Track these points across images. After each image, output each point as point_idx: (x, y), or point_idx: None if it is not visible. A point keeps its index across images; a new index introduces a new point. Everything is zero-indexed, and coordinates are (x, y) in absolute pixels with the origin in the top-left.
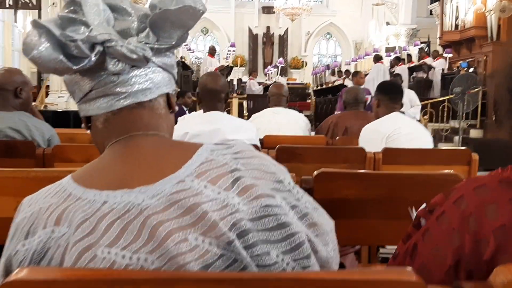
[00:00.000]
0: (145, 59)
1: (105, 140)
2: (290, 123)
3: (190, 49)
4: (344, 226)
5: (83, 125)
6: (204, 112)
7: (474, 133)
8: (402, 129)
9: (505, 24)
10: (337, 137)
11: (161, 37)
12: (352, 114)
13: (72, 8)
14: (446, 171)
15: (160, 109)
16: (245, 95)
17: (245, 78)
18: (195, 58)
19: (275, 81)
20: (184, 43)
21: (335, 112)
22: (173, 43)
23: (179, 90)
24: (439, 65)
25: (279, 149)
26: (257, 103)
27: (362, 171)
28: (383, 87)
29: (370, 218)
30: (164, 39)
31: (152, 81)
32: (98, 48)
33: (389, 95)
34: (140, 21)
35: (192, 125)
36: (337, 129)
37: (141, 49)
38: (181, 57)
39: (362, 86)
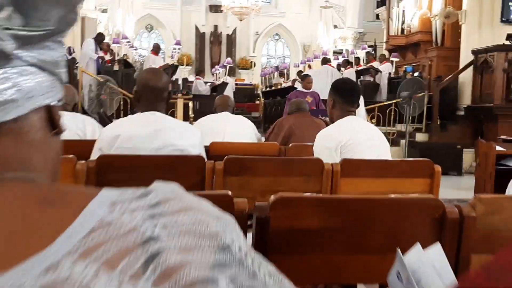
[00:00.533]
0: (4, 55)
1: None
2: (238, 129)
3: (133, 47)
4: (306, 262)
5: None
6: (142, 112)
7: (420, 137)
8: (360, 135)
9: (449, 29)
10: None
11: (31, 18)
12: (296, 116)
13: None
14: (425, 195)
15: (33, 133)
16: (191, 96)
17: (191, 78)
18: (139, 56)
19: (223, 81)
20: (126, 40)
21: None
22: (52, 27)
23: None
24: (386, 69)
25: (227, 160)
26: (204, 104)
27: (327, 196)
28: (338, 87)
29: (336, 253)
30: (37, 21)
31: (19, 88)
32: None
33: (345, 97)
34: None
35: (126, 125)
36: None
37: None
38: (124, 55)
39: (310, 90)
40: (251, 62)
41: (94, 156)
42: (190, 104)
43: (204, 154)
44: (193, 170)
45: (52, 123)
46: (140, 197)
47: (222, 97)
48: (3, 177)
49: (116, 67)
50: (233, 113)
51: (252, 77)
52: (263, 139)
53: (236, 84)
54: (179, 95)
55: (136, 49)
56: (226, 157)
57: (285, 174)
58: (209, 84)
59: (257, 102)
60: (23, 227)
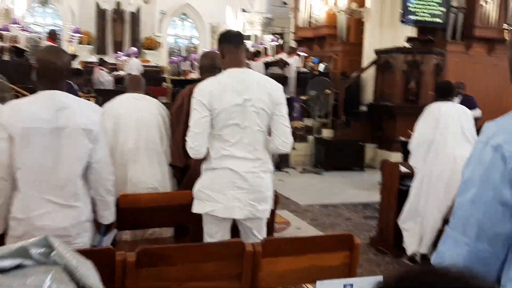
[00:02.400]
0: None
1: None
2: (151, 111)
3: (25, 30)
4: None
5: None
6: (42, 90)
7: (326, 133)
8: None
9: (354, 26)
10: None
11: None
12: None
13: None
14: None
15: None
16: (93, 94)
17: (92, 58)
18: (34, 32)
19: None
20: (17, 25)
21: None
22: None
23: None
24: (294, 62)
25: (140, 253)
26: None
27: None
28: (224, 35)
29: None
30: None
31: None
32: None
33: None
34: None
35: (27, 106)
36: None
37: None
38: (13, 39)
39: None
40: (158, 42)
41: None
42: (93, 101)
43: (102, 133)
44: (101, 264)
45: None
46: None
47: (132, 77)
48: None
49: (6, 57)
50: (144, 92)
51: (158, 59)
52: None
53: (143, 66)
54: (80, 93)
55: (28, 32)
56: (137, 250)
57: (204, 260)
58: (112, 75)
59: (164, 85)
60: None
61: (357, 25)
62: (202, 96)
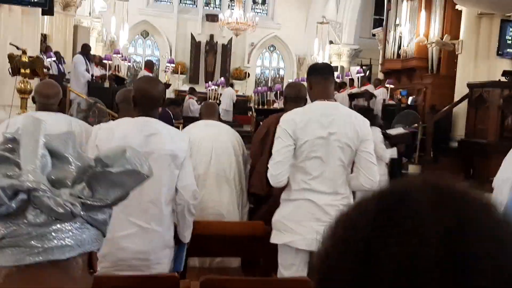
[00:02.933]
0: (72, 215)
1: None
2: (223, 137)
3: (126, 59)
4: None
5: None
6: (137, 117)
7: (412, 168)
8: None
9: (446, 58)
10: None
11: (97, 193)
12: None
13: (10, 146)
14: None
15: (76, 271)
16: (181, 121)
17: (184, 87)
18: (134, 62)
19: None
20: (119, 55)
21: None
22: (108, 202)
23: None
24: (381, 94)
25: (204, 283)
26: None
27: None
28: (313, 67)
29: None
30: (100, 195)
31: (76, 238)
32: (22, 196)
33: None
34: (79, 172)
35: (122, 127)
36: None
37: (70, 203)
38: (115, 67)
39: None
40: (245, 72)
41: (90, 154)
42: (180, 127)
43: (188, 160)
44: None
45: (90, 265)
46: None
47: (207, 104)
48: None
49: (106, 84)
50: (219, 120)
51: (246, 88)
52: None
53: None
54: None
55: (128, 62)
56: (201, 279)
57: None
58: (201, 103)
59: (249, 114)
60: None
61: (449, 57)
62: (287, 126)
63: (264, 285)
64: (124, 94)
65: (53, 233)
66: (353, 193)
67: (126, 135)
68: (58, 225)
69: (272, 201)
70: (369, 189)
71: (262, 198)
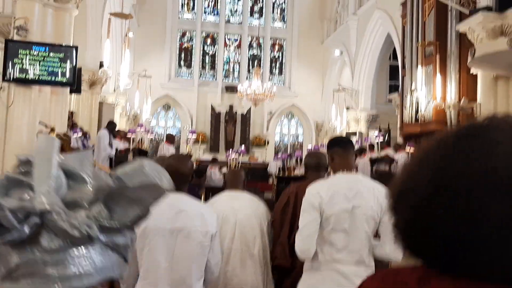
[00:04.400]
0: (89, 238)
1: None
2: (247, 210)
3: (148, 131)
4: None
5: None
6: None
7: None
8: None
9: (465, 120)
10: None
11: (115, 213)
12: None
13: (24, 169)
14: None
15: None
16: (203, 190)
17: (205, 156)
18: (156, 134)
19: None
20: (142, 128)
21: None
22: (128, 223)
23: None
24: (401, 158)
25: None
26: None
27: None
28: (334, 140)
29: None
30: (118, 216)
31: (95, 264)
32: (34, 219)
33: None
34: (96, 192)
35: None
36: (297, 199)
37: (87, 226)
38: (139, 140)
39: None
40: (265, 140)
41: None
42: (203, 196)
43: (217, 235)
44: None
45: None
46: None
47: (233, 171)
48: None
49: (130, 157)
50: (244, 186)
51: (265, 155)
52: None
53: (249, 164)
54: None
55: (152, 134)
56: None
57: None
58: (222, 173)
59: (270, 181)
60: None
61: (468, 119)
62: (313, 199)
63: None
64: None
65: (70, 260)
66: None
67: (156, 213)
68: (75, 251)
69: (296, 274)
70: (395, 258)
71: (286, 271)
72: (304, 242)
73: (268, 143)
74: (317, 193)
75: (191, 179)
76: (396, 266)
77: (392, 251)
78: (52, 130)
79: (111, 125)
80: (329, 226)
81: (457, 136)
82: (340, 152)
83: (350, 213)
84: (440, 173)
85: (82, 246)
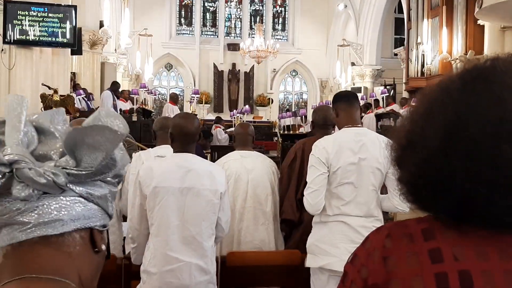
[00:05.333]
0: (57, 186)
1: (1, 278)
2: (259, 169)
3: (150, 92)
4: None
5: None
6: (175, 152)
7: None
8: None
9: None
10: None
11: (82, 161)
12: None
13: (2, 129)
14: None
15: (72, 247)
16: (209, 150)
17: (209, 116)
18: (159, 94)
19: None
20: (145, 89)
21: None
22: (93, 169)
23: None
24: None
25: None
26: (222, 154)
27: None
28: (338, 94)
29: None
30: (84, 164)
31: (68, 212)
32: (2, 169)
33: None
34: (64, 144)
35: (162, 164)
36: (304, 155)
37: (52, 173)
38: (142, 101)
39: None
40: (269, 99)
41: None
42: (208, 156)
43: (226, 194)
44: None
45: (93, 243)
46: None
47: (242, 124)
48: (40, 277)
49: (134, 118)
50: (253, 142)
51: (269, 114)
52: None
53: (254, 122)
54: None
55: (154, 94)
56: None
57: None
58: (228, 131)
59: (275, 139)
60: None
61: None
62: (320, 154)
63: None
64: (161, 122)
65: (43, 207)
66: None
67: (165, 172)
68: (48, 199)
69: (304, 227)
70: (402, 210)
71: (294, 225)
72: (312, 197)
73: (272, 101)
74: (323, 148)
75: (198, 139)
76: (403, 218)
77: (399, 203)
78: (55, 91)
79: (114, 86)
80: (336, 180)
81: (463, 82)
82: (344, 106)
83: (356, 165)
84: (450, 125)
85: (54, 195)
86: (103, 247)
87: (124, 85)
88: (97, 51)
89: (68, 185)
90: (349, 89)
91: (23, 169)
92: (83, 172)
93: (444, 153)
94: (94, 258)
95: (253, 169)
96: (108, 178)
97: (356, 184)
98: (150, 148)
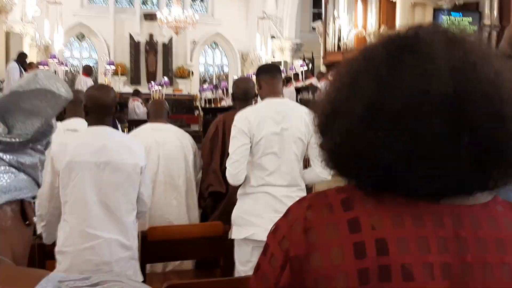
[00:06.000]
0: None
1: None
2: (172, 143)
3: (62, 64)
4: None
5: None
6: (90, 125)
7: None
8: None
9: None
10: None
11: (14, 128)
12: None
13: None
14: None
15: (4, 221)
16: (126, 124)
17: (126, 88)
18: (71, 66)
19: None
20: (55, 59)
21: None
22: (29, 137)
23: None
24: (323, 86)
25: None
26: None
27: None
28: (262, 67)
29: None
30: (17, 130)
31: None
32: None
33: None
34: None
35: (75, 137)
36: (225, 128)
37: None
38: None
39: None
40: (189, 71)
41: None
42: (126, 130)
43: (146, 167)
44: None
45: (24, 215)
46: (83, 279)
47: (156, 101)
48: None
49: None
50: (168, 116)
51: (190, 87)
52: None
53: (174, 95)
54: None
55: (66, 65)
56: (165, 284)
57: None
58: (146, 105)
59: (196, 113)
60: None
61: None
62: (242, 124)
63: (231, 284)
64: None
65: None
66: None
67: (79, 146)
68: None
69: (228, 199)
70: (325, 178)
71: (219, 198)
72: (233, 167)
73: (192, 74)
74: (245, 118)
75: (115, 111)
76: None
77: (322, 171)
78: None
79: (21, 57)
80: (259, 151)
81: (387, 52)
82: (267, 78)
83: (279, 136)
84: (374, 95)
85: None
86: (35, 219)
87: (32, 57)
88: (1, 20)
89: None
90: (270, 62)
91: None
92: (17, 140)
93: (367, 124)
94: (26, 231)
95: (165, 143)
96: (39, 146)
97: (279, 154)
98: (58, 122)
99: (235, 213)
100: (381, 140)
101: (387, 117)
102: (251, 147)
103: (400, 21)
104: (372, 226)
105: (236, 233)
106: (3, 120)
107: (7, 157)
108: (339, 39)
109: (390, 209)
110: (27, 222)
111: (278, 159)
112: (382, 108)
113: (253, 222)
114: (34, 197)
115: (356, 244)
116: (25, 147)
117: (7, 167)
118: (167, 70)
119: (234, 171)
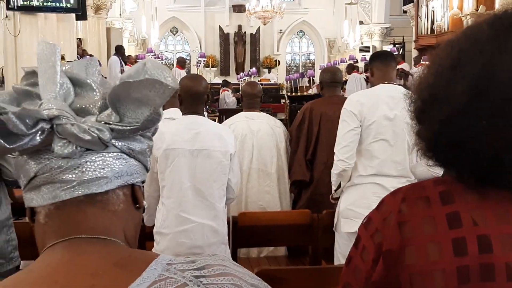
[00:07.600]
0: (102, 142)
1: (45, 239)
2: (264, 131)
3: (157, 57)
4: None
5: (27, 217)
6: (184, 114)
7: None
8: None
9: None
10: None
11: (125, 116)
12: (326, 100)
13: (31, 80)
14: None
15: (117, 205)
16: (217, 114)
17: (216, 79)
18: (166, 59)
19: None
20: (151, 53)
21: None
22: (139, 124)
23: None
24: (418, 72)
25: (259, 273)
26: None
27: None
28: (375, 54)
29: None
30: (128, 119)
31: (111, 169)
32: (43, 125)
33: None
34: (104, 98)
35: (172, 125)
36: (312, 116)
37: (96, 129)
38: None
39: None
40: (276, 60)
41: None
42: (216, 119)
43: (236, 155)
44: None
45: (135, 199)
46: (189, 262)
47: (250, 84)
48: (91, 238)
49: None
50: (260, 103)
51: (277, 76)
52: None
53: (261, 85)
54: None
55: (162, 59)
56: (256, 270)
57: (321, 285)
58: (235, 95)
59: (283, 101)
60: (100, 280)
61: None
62: (353, 107)
63: (319, 274)
64: None
65: (86, 165)
66: None
67: (175, 133)
68: (91, 156)
69: (314, 187)
70: (437, 175)
71: (303, 186)
72: (342, 152)
73: (279, 63)
74: (357, 100)
75: (207, 100)
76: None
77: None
78: (63, 58)
79: (120, 50)
80: (370, 136)
81: (495, 31)
82: (380, 66)
83: (391, 122)
84: (479, 79)
85: (97, 151)
86: (144, 203)
87: (131, 51)
88: (102, 16)
89: (112, 140)
90: (358, 49)
91: (65, 125)
92: (128, 128)
93: (470, 111)
94: (136, 214)
95: (259, 131)
96: (147, 133)
97: (392, 142)
98: None
99: (343, 205)
100: (485, 129)
101: (493, 103)
102: (361, 132)
103: (501, 1)
104: (473, 221)
105: (345, 226)
106: (115, 109)
107: (119, 144)
108: (432, 22)
109: (494, 204)
110: (137, 205)
111: (390, 147)
112: (487, 93)
113: (363, 215)
114: (143, 182)
115: (455, 240)
116: (135, 134)
117: (119, 154)
118: (254, 60)
119: (342, 156)
